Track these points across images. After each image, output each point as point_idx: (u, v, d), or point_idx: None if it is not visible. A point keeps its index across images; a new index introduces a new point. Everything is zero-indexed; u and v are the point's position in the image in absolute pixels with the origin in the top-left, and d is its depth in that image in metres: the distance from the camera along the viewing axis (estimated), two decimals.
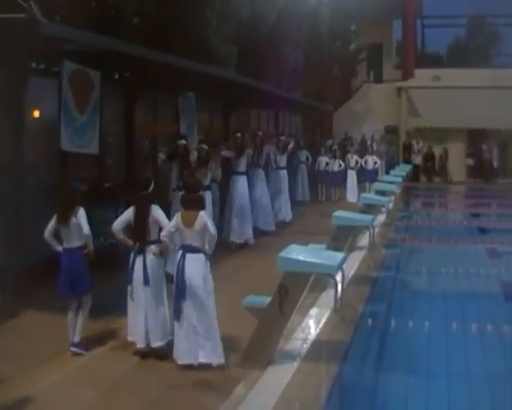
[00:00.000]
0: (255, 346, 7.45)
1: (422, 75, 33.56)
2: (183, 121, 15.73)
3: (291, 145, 19.11)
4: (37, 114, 11.91)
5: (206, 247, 7.53)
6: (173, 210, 9.67)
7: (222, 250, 7.72)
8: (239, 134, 15.21)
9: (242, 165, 14.97)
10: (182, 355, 7.34)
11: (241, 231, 14.53)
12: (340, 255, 8.07)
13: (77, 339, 7.84)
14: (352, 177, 24.11)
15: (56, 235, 7.93)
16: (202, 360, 7.31)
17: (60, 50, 10.61)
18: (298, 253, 7.57)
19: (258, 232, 15.66)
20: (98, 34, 10.67)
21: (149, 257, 7.73)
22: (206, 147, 12.87)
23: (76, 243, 7.86)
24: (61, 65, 11.02)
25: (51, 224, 7.89)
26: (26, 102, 11.21)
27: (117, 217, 8.14)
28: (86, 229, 7.78)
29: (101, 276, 8.20)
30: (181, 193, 8.60)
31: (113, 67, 13.53)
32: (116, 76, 14.59)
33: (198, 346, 7.30)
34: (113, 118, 13.63)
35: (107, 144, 13.34)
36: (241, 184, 14.92)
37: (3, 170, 10.78)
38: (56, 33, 9.32)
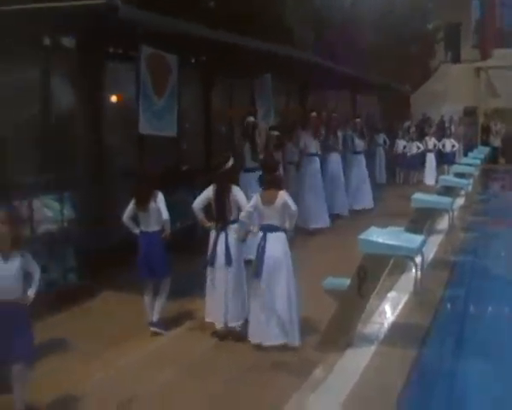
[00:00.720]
0: (333, 329, 7.39)
1: (502, 55, 32.61)
2: (260, 104, 15.65)
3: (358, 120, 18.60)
4: (115, 98, 12.08)
5: (287, 224, 7.48)
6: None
7: (299, 233, 7.66)
8: (314, 113, 15.09)
9: (315, 146, 14.83)
10: (259, 336, 7.34)
11: (317, 216, 14.39)
12: (419, 238, 7.92)
13: (156, 319, 7.93)
14: (430, 159, 23.66)
15: (134, 218, 8.01)
16: (279, 341, 7.29)
17: (137, 35, 10.70)
18: (378, 235, 7.46)
19: (334, 216, 15.48)
20: (175, 18, 10.70)
21: (231, 237, 7.73)
22: (276, 133, 12.81)
23: (154, 227, 7.92)
24: (138, 49, 11.10)
25: (130, 208, 7.97)
26: (105, 86, 11.40)
27: (193, 201, 8.16)
28: (165, 213, 7.82)
29: (178, 259, 8.24)
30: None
31: (189, 51, 13.57)
32: (193, 60, 14.64)
33: (275, 327, 7.27)
34: (189, 102, 13.71)
35: (185, 128, 13.41)
36: (314, 165, 14.79)
37: (83, 154, 10.99)
38: (134, 18, 9.37)
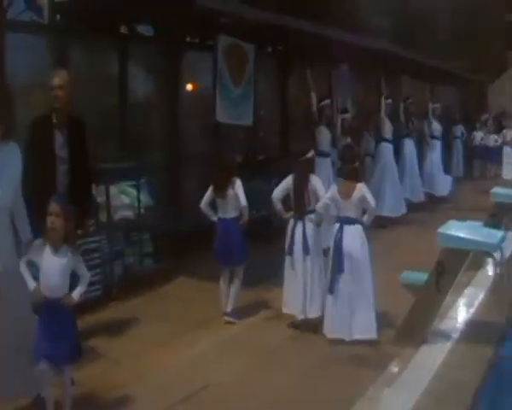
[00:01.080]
0: (410, 323, 7.27)
1: None
2: (337, 94, 15.54)
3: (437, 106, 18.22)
4: (191, 86, 12.16)
5: (365, 218, 7.40)
6: None
7: (374, 224, 7.58)
8: (389, 100, 14.91)
9: (388, 131, 14.65)
10: (334, 329, 7.28)
11: (393, 204, 14.19)
12: (499, 233, 7.71)
13: (229, 308, 7.95)
14: (507, 153, 23.13)
15: (212, 205, 8.04)
16: (355, 335, 7.21)
17: (215, 24, 10.74)
18: (457, 229, 7.29)
19: (409, 205, 15.23)
20: (252, 6, 10.69)
21: (309, 226, 7.68)
22: (347, 115, 12.68)
23: (232, 214, 7.93)
24: (216, 38, 11.14)
25: (208, 194, 8.00)
26: (182, 75, 11.49)
27: (270, 189, 8.16)
28: (243, 200, 7.81)
29: (253, 247, 8.23)
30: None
31: (266, 40, 13.56)
32: (269, 49, 14.62)
33: (351, 320, 7.20)
34: (266, 90, 13.69)
35: (261, 117, 13.41)
36: (388, 151, 14.60)
37: (161, 141, 11.12)
38: (212, 6, 9.40)
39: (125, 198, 9.29)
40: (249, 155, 13.02)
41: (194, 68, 11.90)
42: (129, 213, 9.27)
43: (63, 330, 5.18)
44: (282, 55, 14.47)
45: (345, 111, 13.34)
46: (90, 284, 8.09)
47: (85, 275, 5.34)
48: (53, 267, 5.11)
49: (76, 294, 5.24)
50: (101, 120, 10.43)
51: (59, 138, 6.68)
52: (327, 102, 12.31)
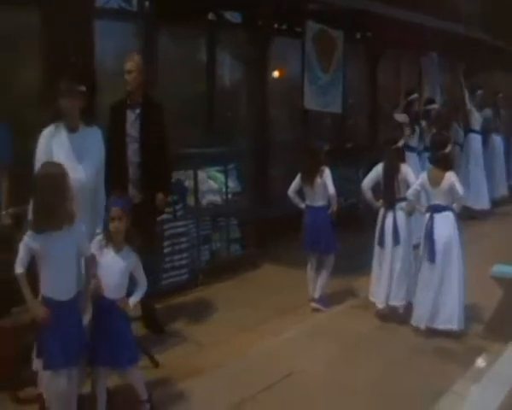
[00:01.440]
0: (499, 317, 7.12)
1: None
2: (426, 82, 15.28)
3: None
4: (279, 73, 12.15)
5: (454, 205, 7.25)
6: None
7: (465, 215, 7.44)
8: (480, 92, 14.54)
9: (477, 123, 14.29)
10: (423, 320, 7.15)
11: (478, 196, 13.86)
12: None
13: (317, 295, 7.92)
14: None
15: (300, 192, 8.02)
16: (441, 326, 7.09)
17: (303, 10, 10.69)
18: None
19: (495, 199, 14.73)
20: None
21: (399, 215, 7.58)
22: (434, 106, 12.42)
23: (320, 203, 7.87)
24: (304, 25, 11.10)
25: (296, 182, 7.97)
26: (270, 61, 11.49)
27: (358, 178, 8.08)
28: (332, 189, 7.75)
29: (342, 235, 8.17)
30: None
31: (354, 26, 13.41)
32: (358, 35, 14.47)
33: (438, 311, 7.07)
34: (355, 77, 13.56)
35: (349, 104, 13.30)
36: (476, 142, 14.27)
37: (249, 127, 11.15)
38: None
39: (212, 183, 9.37)
40: (337, 142, 12.93)
41: (281, 55, 11.89)
42: (216, 199, 9.34)
43: (120, 332, 5.09)
44: (370, 41, 14.29)
45: (432, 102, 13.05)
46: (177, 267, 8.43)
47: (143, 281, 5.20)
48: (113, 267, 5.03)
49: (132, 300, 5.15)
50: (189, 105, 10.55)
51: (130, 118, 6.83)
52: (415, 96, 12.05)
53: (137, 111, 6.81)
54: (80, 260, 4.80)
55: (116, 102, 7.05)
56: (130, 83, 6.80)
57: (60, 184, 4.55)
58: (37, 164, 5.07)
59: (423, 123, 11.77)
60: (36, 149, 5.22)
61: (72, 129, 5.28)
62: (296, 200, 8.00)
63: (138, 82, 6.81)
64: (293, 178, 8.06)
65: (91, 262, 4.89)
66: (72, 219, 4.63)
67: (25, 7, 7.90)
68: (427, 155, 8.23)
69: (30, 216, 4.73)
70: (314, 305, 7.91)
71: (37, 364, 4.94)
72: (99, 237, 5.05)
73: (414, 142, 11.35)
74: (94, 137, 5.40)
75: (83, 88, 5.25)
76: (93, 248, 4.98)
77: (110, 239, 5.01)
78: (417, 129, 11.60)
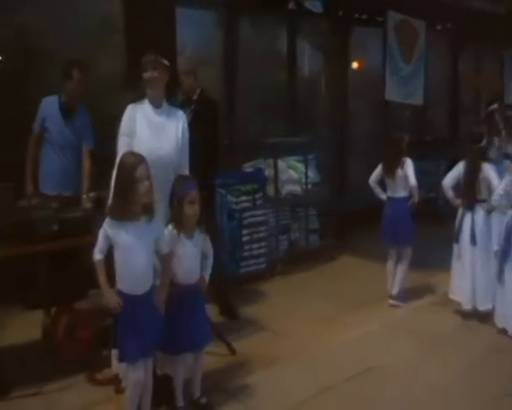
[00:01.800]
0: None
1: None
2: (509, 78, 14.91)
3: None
4: (360, 63, 12.05)
5: None
6: None
7: None
8: None
9: None
10: (502, 319, 6.99)
11: None
12: None
13: (395, 291, 7.83)
14: None
15: (381, 183, 7.95)
16: None
17: (384, 0, 10.57)
18: None
19: None
20: None
21: (478, 216, 7.39)
22: None
23: (401, 194, 7.76)
24: (385, 15, 10.97)
25: (377, 171, 7.90)
26: (350, 51, 11.41)
27: (438, 172, 7.93)
28: (413, 180, 7.63)
29: (421, 229, 8.03)
30: None
31: (436, 17, 13.18)
32: (439, 26, 14.22)
33: None
34: (435, 69, 13.33)
35: (430, 95, 13.09)
36: None
37: (329, 118, 11.10)
38: None
39: (292, 173, 9.39)
40: (417, 135, 12.75)
41: (362, 45, 11.78)
42: (296, 188, 9.35)
43: (202, 315, 5.16)
44: (451, 32, 14.02)
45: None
46: (256, 256, 8.47)
47: (211, 255, 5.20)
48: (191, 255, 5.03)
49: (206, 275, 5.17)
50: (270, 94, 10.58)
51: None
52: (496, 106, 11.68)
53: (192, 107, 6.79)
54: (156, 255, 4.79)
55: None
56: (189, 84, 6.83)
57: (139, 175, 4.53)
58: (121, 138, 5.10)
59: (503, 132, 11.46)
60: (120, 125, 5.21)
61: (156, 104, 5.24)
62: (377, 189, 7.93)
63: (193, 86, 6.84)
64: (373, 169, 7.98)
65: (168, 259, 4.87)
66: (151, 213, 4.64)
67: None
68: (507, 162, 7.97)
69: (109, 203, 4.78)
70: (392, 302, 7.82)
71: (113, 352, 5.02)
72: (170, 229, 4.96)
73: (492, 153, 11.06)
74: (178, 116, 5.37)
75: (167, 62, 5.23)
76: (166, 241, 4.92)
77: (181, 226, 4.97)
78: (496, 140, 11.27)
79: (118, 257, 4.61)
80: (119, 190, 4.60)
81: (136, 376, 4.66)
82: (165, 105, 5.29)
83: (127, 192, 4.52)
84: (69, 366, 5.73)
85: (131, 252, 4.57)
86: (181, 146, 5.28)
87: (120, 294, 4.61)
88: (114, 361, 5.05)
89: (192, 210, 4.96)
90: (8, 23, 7.80)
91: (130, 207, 4.53)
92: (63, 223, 5.51)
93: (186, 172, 5.29)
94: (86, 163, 6.82)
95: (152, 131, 5.14)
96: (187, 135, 5.36)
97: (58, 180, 6.67)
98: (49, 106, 6.68)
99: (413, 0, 10.59)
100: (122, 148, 5.03)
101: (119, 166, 4.68)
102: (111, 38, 8.32)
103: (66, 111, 6.70)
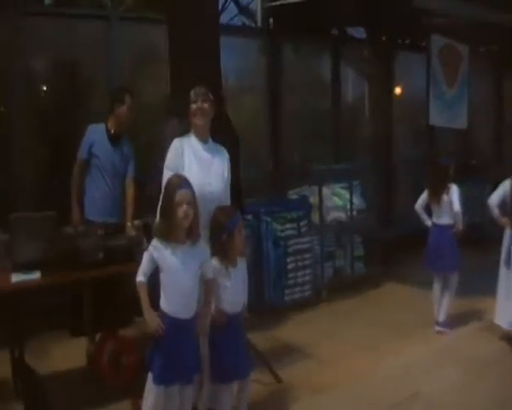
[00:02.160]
0: None
1: None
2: None
3: None
4: (403, 88, 12.04)
5: None
6: None
7: None
8: None
9: None
10: None
11: None
12: None
13: (442, 318, 7.77)
14: None
15: (426, 209, 7.91)
16: None
17: (428, 24, 10.54)
18: None
19: None
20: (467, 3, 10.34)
21: None
22: None
23: (446, 220, 7.73)
24: (428, 39, 10.95)
25: (423, 197, 7.89)
26: (394, 77, 11.41)
27: (483, 196, 7.87)
28: (457, 207, 7.61)
29: (466, 255, 7.98)
30: None
31: (479, 39, 13.10)
32: (482, 49, 14.13)
33: None
34: (479, 91, 13.25)
35: (474, 118, 13.00)
36: None
37: (373, 144, 11.10)
38: (428, 6, 9.15)
39: (337, 200, 9.39)
40: (462, 159, 12.68)
41: (405, 70, 11.79)
42: (341, 215, 9.36)
43: (245, 342, 5.20)
44: (495, 54, 13.93)
45: None
46: (301, 284, 8.47)
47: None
48: (237, 284, 5.02)
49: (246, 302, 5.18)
50: (314, 121, 10.65)
51: None
52: None
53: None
54: (201, 280, 4.77)
55: None
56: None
57: (179, 198, 4.53)
58: (167, 172, 5.08)
59: None
60: (165, 158, 5.23)
61: (202, 139, 5.26)
62: (423, 215, 7.91)
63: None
64: (418, 195, 7.97)
65: (213, 285, 4.85)
66: (195, 238, 4.64)
67: (153, 26, 8.23)
68: None
69: (155, 225, 4.79)
70: (438, 328, 7.77)
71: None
72: (214, 263, 4.90)
73: None
74: (223, 154, 5.39)
75: (212, 96, 5.23)
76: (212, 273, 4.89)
77: (228, 258, 4.95)
78: None
79: (163, 279, 4.60)
80: (162, 212, 4.64)
81: (170, 401, 4.62)
82: (210, 141, 5.31)
83: (168, 214, 4.55)
84: (113, 393, 5.79)
85: (177, 275, 4.56)
86: (226, 183, 5.33)
87: (164, 316, 4.60)
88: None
89: (240, 240, 4.99)
90: (52, 53, 8.07)
91: (172, 229, 4.54)
92: (108, 251, 5.59)
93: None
94: (130, 190, 6.88)
95: (201, 167, 5.16)
96: (230, 174, 5.39)
97: (104, 207, 6.71)
98: (97, 133, 6.75)
99: (456, 23, 10.55)
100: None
101: (165, 188, 4.72)
102: (155, 68, 8.45)
103: (114, 138, 6.78)
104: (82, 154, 6.72)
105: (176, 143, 5.19)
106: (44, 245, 5.35)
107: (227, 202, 5.33)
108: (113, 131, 6.77)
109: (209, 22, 6.32)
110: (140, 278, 4.59)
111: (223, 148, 5.43)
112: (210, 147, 5.29)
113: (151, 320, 4.56)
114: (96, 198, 6.75)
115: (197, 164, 5.15)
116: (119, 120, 6.75)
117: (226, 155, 5.38)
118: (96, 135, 6.74)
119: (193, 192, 4.62)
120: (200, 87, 5.20)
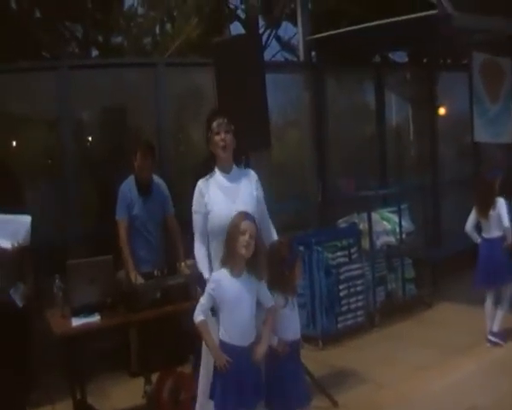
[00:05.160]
0: None
1: None
2: None
3: None
4: (447, 108, 12.10)
5: None
6: None
7: None
8: None
9: None
10: None
11: None
12: None
13: (496, 329, 7.79)
14: None
15: (476, 226, 7.97)
16: None
17: (469, 42, 10.60)
18: None
19: None
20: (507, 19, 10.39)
21: None
22: None
23: (495, 234, 7.79)
24: (470, 57, 11.00)
25: (472, 217, 7.95)
26: (437, 97, 11.48)
27: None
28: (506, 221, 7.66)
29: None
30: None
31: None
32: None
33: None
34: None
35: None
36: None
37: (419, 166, 11.16)
38: (468, 25, 9.21)
39: (386, 224, 9.47)
40: (507, 174, 12.61)
41: (448, 90, 11.83)
42: (390, 239, 9.43)
43: (303, 370, 5.31)
44: None
45: None
46: (354, 310, 8.58)
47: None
48: (296, 312, 5.13)
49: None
50: (361, 148, 10.78)
51: None
52: None
53: None
54: (259, 308, 4.84)
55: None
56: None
57: (238, 230, 4.63)
58: (194, 215, 5.12)
59: None
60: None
61: (226, 170, 5.18)
62: (474, 235, 7.96)
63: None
64: (465, 213, 8.03)
65: (273, 313, 4.90)
66: (254, 269, 4.73)
67: (200, 68, 8.52)
68: None
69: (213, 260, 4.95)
70: (492, 338, 7.78)
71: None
72: (276, 295, 4.93)
73: None
74: (250, 175, 5.33)
75: (232, 126, 5.14)
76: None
77: (288, 289, 5.01)
78: None
79: (223, 310, 4.69)
80: (226, 244, 4.74)
81: None
82: (234, 169, 5.25)
83: (231, 243, 4.67)
84: None
85: (234, 306, 4.65)
86: (258, 204, 5.24)
87: (224, 345, 4.68)
88: None
89: (299, 271, 5.14)
90: (97, 101, 8.37)
91: (233, 256, 4.66)
92: (165, 291, 5.77)
93: (273, 235, 5.40)
94: (174, 229, 6.97)
95: (227, 197, 5.10)
96: (262, 193, 5.34)
97: (152, 260, 6.77)
98: (127, 190, 6.85)
99: (497, 38, 10.59)
100: (197, 225, 5.12)
101: (230, 221, 4.78)
102: (202, 110, 8.73)
103: (143, 188, 6.87)
104: (120, 215, 6.80)
105: (199, 183, 5.16)
106: (102, 289, 5.58)
107: (265, 226, 5.34)
108: (139, 183, 6.87)
109: (253, 60, 6.45)
110: (201, 317, 4.65)
111: (248, 169, 5.44)
112: (234, 175, 5.21)
113: (218, 357, 4.64)
114: (141, 254, 6.81)
115: (223, 195, 5.10)
116: (136, 171, 6.84)
117: (252, 174, 5.33)
118: (127, 193, 6.84)
119: (256, 227, 4.73)
120: (220, 117, 5.14)
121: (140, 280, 6.22)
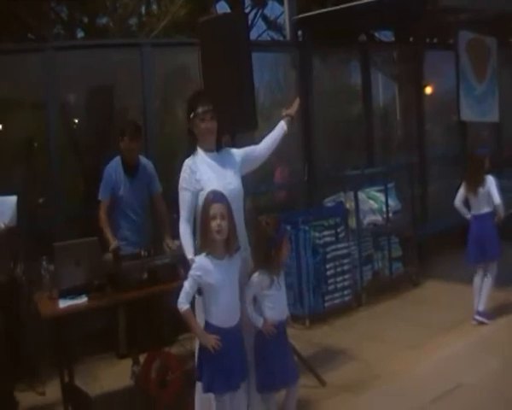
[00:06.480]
0: None
1: None
2: None
3: None
4: (433, 87, 12.11)
5: None
6: None
7: None
8: None
9: None
10: None
11: None
12: None
13: (481, 308, 7.84)
14: None
15: (465, 202, 8.00)
16: None
17: (454, 21, 10.60)
18: None
19: None
20: None
21: None
22: None
23: (485, 209, 7.84)
24: (456, 36, 11.01)
25: (460, 192, 7.97)
26: (423, 76, 11.50)
27: None
28: (497, 198, 7.72)
29: (504, 247, 8.04)
30: None
31: (507, 31, 13.08)
32: (510, 39, 14.07)
33: None
34: (509, 84, 13.22)
35: (505, 112, 13.00)
36: None
37: (406, 144, 11.18)
38: (454, 4, 9.18)
39: (372, 203, 9.50)
40: (494, 152, 12.68)
41: (434, 68, 11.83)
42: (377, 218, 9.47)
43: (290, 349, 5.30)
44: None
45: None
46: (341, 289, 8.61)
47: None
48: (283, 292, 5.13)
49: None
50: (345, 127, 10.80)
51: None
52: None
53: None
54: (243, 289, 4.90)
55: None
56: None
57: (212, 213, 4.63)
58: (184, 193, 5.10)
59: None
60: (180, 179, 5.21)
61: (210, 150, 5.20)
62: (463, 210, 7.99)
63: None
64: (452, 191, 8.08)
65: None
66: (234, 250, 4.75)
67: (186, 48, 8.49)
68: None
69: (197, 242, 4.92)
70: (478, 318, 7.84)
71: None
72: (260, 277, 4.97)
73: None
74: (231, 152, 5.39)
75: (215, 109, 5.14)
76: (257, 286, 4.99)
77: (274, 269, 5.02)
78: None
79: (206, 293, 4.71)
80: (200, 228, 4.78)
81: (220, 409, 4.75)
82: (214, 150, 5.26)
83: (204, 229, 4.68)
84: None
85: (218, 289, 4.67)
86: (244, 161, 5.36)
87: (209, 326, 4.71)
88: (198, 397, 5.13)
89: (286, 251, 5.13)
90: (82, 82, 8.33)
91: (208, 243, 4.66)
92: (152, 271, 5.72)
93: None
94: (160, 207, 6.90)
95: (216, 172, 5.13)
96: (243, 150, 5.42)
97: (137, 240, 6.72)
98: (113, 171, 6.77)
99: (483, 17, 10.60)
100: (185, 203, 5.09)
101: (202, 204, 4.84)
102: (188, 89, 8.71)
103: (129, 169, 6.80)
104: (103, 196, 6.72)
105: (188, 162, 5.17)
106: (88, 270, 5.53)
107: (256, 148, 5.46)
108: (125, 164, 6.79)
109: (239, 39, 6.39)
110: (186, 306, 4.63)
111: (228, 148, 5.45)
112: (218, 154, 5.25)
113: (207, 341, 4.65)
114: (127, 235, 6.75)
115: (212, 171, 5.12)
116: (123, 152, 6.77)
117: (233, 151, 5.38)
118: (112, 174, 6.75)
119: (227, 205, 4.70)
120: (206, 104, 5.12)
121: (117, 244, 6.22)
